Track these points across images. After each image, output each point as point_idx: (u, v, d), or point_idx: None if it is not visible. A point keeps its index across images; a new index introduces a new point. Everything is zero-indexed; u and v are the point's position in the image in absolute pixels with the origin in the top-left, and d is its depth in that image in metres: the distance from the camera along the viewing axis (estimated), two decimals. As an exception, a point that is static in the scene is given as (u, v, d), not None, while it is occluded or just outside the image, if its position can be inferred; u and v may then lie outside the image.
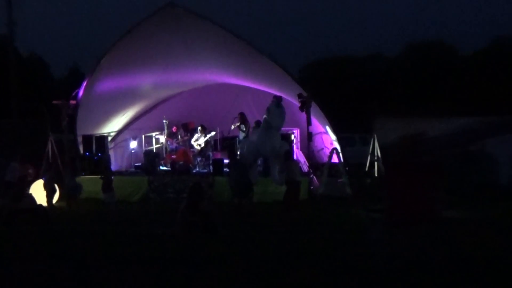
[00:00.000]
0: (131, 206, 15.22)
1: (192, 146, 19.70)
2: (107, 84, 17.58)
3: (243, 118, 18.05)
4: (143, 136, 21.02)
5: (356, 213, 12.71)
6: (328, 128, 18.33)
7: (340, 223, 11.57)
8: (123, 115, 20.13)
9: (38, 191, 15.21)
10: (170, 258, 8.40)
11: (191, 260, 8.31)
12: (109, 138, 19.80)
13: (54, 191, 15.45)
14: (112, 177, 16.03)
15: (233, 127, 18.30)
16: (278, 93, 19.45)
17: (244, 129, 17.77)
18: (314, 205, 14.25)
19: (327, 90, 33.47)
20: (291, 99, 18.13)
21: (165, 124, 20.41)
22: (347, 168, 16.30)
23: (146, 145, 21.02)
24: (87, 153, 17.87)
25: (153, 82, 19.25)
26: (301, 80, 19.19)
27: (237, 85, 21.01)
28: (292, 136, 18.54)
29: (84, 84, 17.14)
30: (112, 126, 20.16)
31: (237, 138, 19.05)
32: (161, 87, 20.32)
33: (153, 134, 21.21)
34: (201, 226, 9.91)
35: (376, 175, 17.65)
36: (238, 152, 16.21)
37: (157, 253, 8.76)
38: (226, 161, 17.65)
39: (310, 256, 8.48)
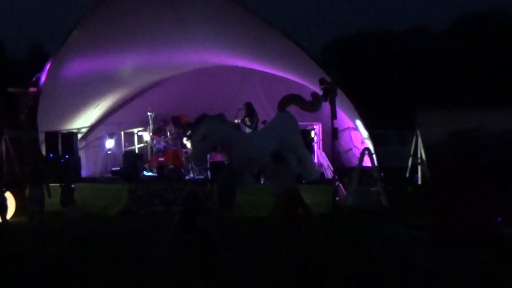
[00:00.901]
0: (108, 221, 15.24)
1: (185, 146, 19.71)
2: (76, 67, 17.59)
3: (249, 110, 18.03)
4: (122, 133, 21.02)
5: (395, 230, 12.70)
6: (358, 123, 18.33)
7: (373, 243, 11.56)
8: (97, 106, 20.18)
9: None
10: None
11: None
12: (79, 136, 19.83)
13: (5, 204, 15.08)
14: (73, 186, 16.03)
15: (237, 121, 18.31)
16: (295, 78, 19.50)
17: (250, 124, 17.79)
18: (340, 220, 14.25)
19: (358, 74, 33.27)
20: (311, 86, 18.13)
21: (150, 117, 20.42)
22: (382, 174, 16.29)
23: (126, 144, 21.02)
24: (51, 155, 17.88)
25: (136, 65, 19.26)
26: (324, 62, 19.20)
27: (243, 68, 21.04)
28: (313, 133, 18.53)
29: (48, 67, 17.13)
30: (83, 121, 20.22)
31: (242, 136, 19.04)
32: (145, 71, 20.35)
33: (135, 130, 21.21)
34: (197, 246, 9.99)
35: (419, 182, 17.64)
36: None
37: (141, 283, 8.83)
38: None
39: (330, 280, 8.53)
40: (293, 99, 14.86)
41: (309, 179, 14.61)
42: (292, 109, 14.90)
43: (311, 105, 14.83)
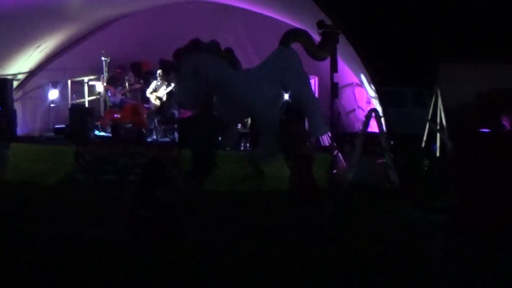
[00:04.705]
0: (46, 191, 15.10)
1: (147, 100, 19.59)
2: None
3: (229, 57, 17.87)
4: (69, 82, 20.90)
5: (406, 212, 12.66)
6: (363, 78, 18.24)
7: (378, 227, 11.51)
8: (38, 47, 19.91)
9: None
10: (105, 279, 8.32)
11: (141, 282, 8.23)
12: (15, 84, 19.62)
13: None
14: None
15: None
16: (286, 19, 19.34)
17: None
18: (337, 199, 14.20)
19: (365, 15, 32.87)
20: (307, 30, 17.96)
21: (104, 63, 20.27)
22: (392, 142, 16.21)
23: (74, 96, 20.90)
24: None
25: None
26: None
27: (221, 4, 20.81)
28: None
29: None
30: (20, 65, 19.98)
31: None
32: (100, 4, 20.02)
33: (85, 79, 21.09)
34: (159, 225, 9.86)
35: (438, 154, 17.58)
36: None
37: (86, 270, 8.68)
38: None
39: (325, 278, 8.43)
40: (302, 35, 14.84)
41: (317, 135, 14.51)
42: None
43: (320, 50, 14.71)
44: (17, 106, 19.35)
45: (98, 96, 21.32)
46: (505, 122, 14.82)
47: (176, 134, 18.10)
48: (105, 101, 20.80)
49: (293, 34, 14.98)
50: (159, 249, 9.42)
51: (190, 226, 10.28)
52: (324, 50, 14.85)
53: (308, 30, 17.30)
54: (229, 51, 17.76)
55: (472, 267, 8.44)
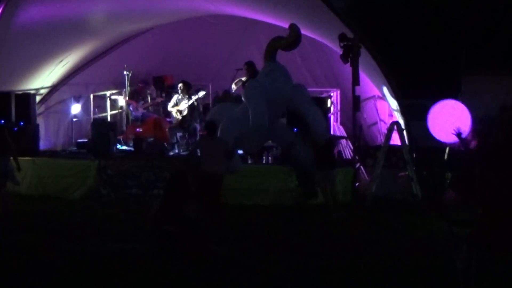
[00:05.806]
0: (69, 206, 15.20)
1: (169, 114, 19.62)
2: (35, 12, 17.38)
3: (252, 70, 17.84)
4: (91, 96, 20.91)
5: (429, 226, 12.65)
6: (386, 91, 18.23)
7: (401, 241, 11.52)
8: (61, 62, 20.01)
9: None
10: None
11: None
12: (38, 98, 19.71)
13: None
14: None
15: (235, 86, 18.13)
16: (308, 32, 19.41)
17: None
18: (360, 212, 14.22)
19: (387, 28, 32.75)
20: (329, 43, 17.99)
21: (126, 77, 20.28)
22: (414, 155, 16.21)
23: (96, 110, 20.92)
24: (2, 121, 17.78)
25: (110, 10, 19.05)
26: (346, 12, 18.99)
27: (243, 18, 20.85)
28: (329, 102, 18.39)
29: None
30: (43, 80, 20.06)
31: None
32: (122, 19, 20.09)
33: (108, 93, 21.12)
34: (184, 240, 9.91)
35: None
36: None
37: (111, 285, 8.76)
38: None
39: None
40: (278, 41, 14.68)
41: (318, 141, 14.51)
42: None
43: (287, 38, 14.56)
44: (40, 120, 19.41)
45: (120, 110, 21.34)
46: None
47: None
48: (127, 115, 20.78)
49: (272, 46, 14.87)
50: (183, 263, 9.49)
51: (215, 241, 10.35)
52: (289, 37, 14.71)
53: (329, 43, 17.36)
54: (251, 64, 17.78)
55: (496, 280, 8.47)
